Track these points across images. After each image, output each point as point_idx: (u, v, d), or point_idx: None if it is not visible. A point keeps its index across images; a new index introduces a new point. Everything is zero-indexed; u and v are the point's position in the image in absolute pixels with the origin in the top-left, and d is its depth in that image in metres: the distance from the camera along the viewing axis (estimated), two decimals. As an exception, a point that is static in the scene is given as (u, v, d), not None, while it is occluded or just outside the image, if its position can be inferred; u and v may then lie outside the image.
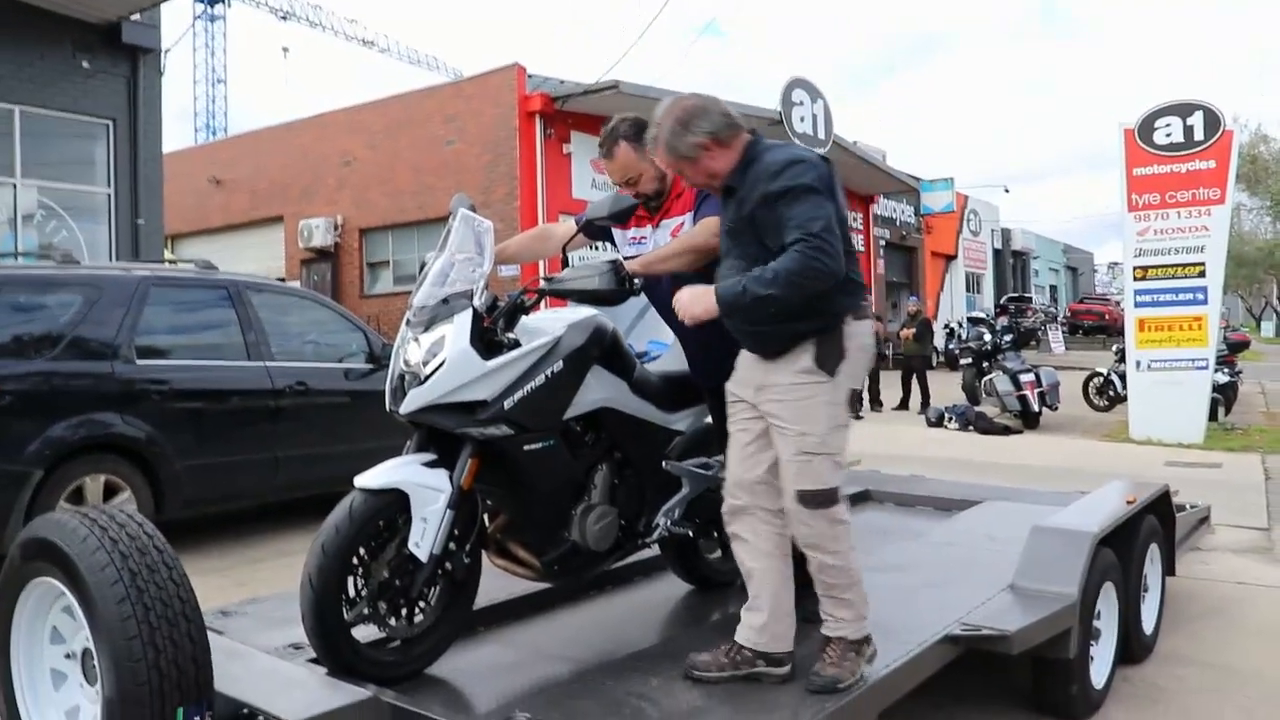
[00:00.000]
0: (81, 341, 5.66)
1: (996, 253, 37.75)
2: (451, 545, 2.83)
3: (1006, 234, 39.39)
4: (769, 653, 2.81)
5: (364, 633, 2.74)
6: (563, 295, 2.99)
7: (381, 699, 2.45)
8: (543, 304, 3.09)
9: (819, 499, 2.70)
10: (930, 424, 13.71)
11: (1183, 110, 12.04)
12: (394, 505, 2.72)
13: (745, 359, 2.86)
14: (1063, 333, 27.76)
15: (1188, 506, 5.33)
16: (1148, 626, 4.26)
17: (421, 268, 3.04)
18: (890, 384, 16.37)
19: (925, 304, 25.06)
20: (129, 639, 2.08)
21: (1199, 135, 11.89)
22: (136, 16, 11.80)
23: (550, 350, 2.95)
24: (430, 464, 2.81)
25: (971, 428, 13.15)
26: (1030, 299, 21.33)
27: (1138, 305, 12.31)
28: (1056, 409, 13.86)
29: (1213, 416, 12.47)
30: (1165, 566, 4.55)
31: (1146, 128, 12.14)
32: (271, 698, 2.32)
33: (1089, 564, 3.45)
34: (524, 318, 2.97)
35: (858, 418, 14.43)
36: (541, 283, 3.01)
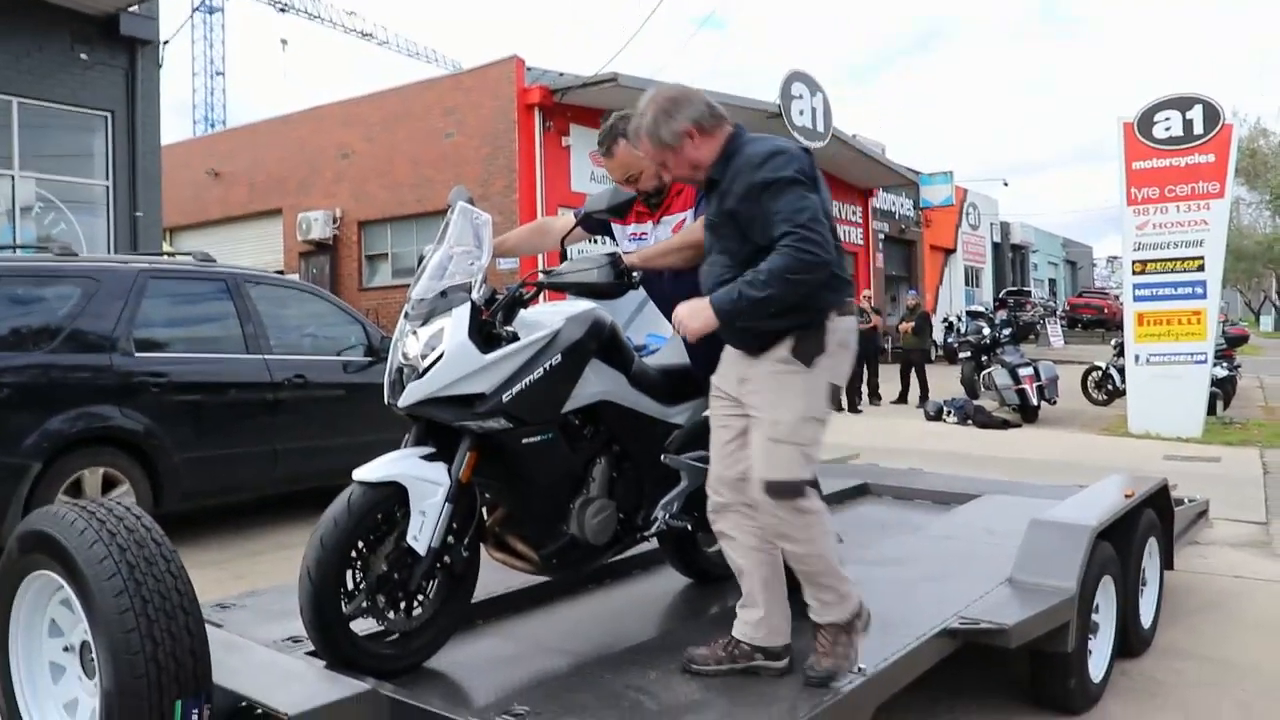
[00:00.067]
0: (80, 334, 5.65)
1: (995, 246, 37.74)
2: (450, 538, 2.83)
3: (1005, 228, 39.39)
4: (766, 647, 2.81)
5: (362, 626, 2.74)
6: (561, 288, 2.98)
7: (380, 692, 2.45)
8: (541, 297, 3.09)
9: (785, 490, 2.66)
10: (929, 418, 13.72)
11: (1182, 104, 12.03)
12: (392, 498, 2.72)
13: (729, 354, 2.86)
14: (1061, 327, 27.81)
15: (1186, 500, 5.33)
16: (1146, 620, 4.26)
17: (420, 261, 3.04)
18: (889, 377, 16.38)
19: (924, 297, 25.06)
20: (127, 632, 2.08)
21: (1198, 129, 11.89)
22: (135, 8, 11.77)
23: (549, 343, 2.94)
24: (429, 457, 2.81)
25: (970, 421, 13.16)
26: (1029, 293, 21.40)
27: (1137, 299, 12.32)
28: (1055, 403, 13.88)
29: (1211, 411, 12.49)
30: (1163, 560, 4.55)
31: (1146, 121, 12.13)
32: (270, 690, 2.32)
33: (1087, 558, 3.45)
34: (522, 311, 2.96)
35: (855, 412, 14.49)
36: (540, 276, 3.01)
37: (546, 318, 3.01)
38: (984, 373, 14.43)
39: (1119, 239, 12.67)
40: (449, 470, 2.79)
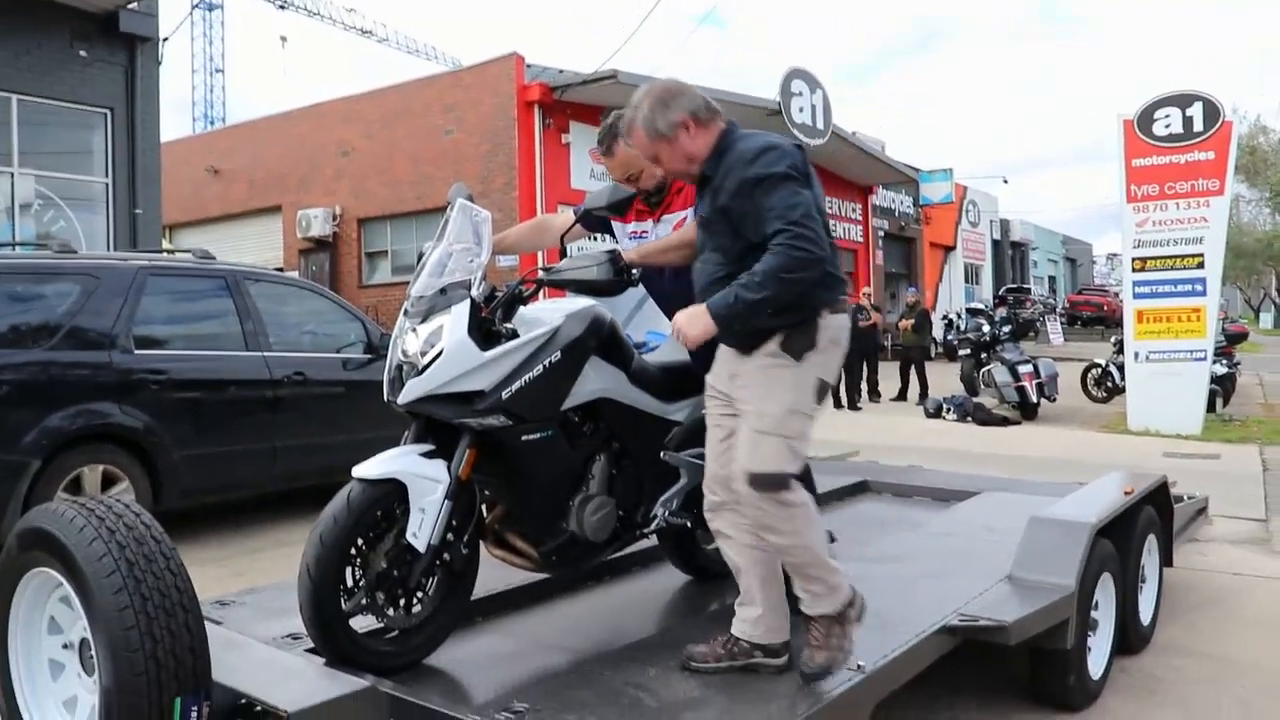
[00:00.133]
0: (79, 331, 5.65)
1: (995, 244, 37.74)
2: (449, 536, 2.82)
3: (1005, 225, 39.37)
4: (765, 644, 2.81)
5: (362, 623, 2.73)
6: (561, 285, 2.98)
7: (379, 689, 2.45)
8: (541, 294, 3.09)
9: (768, 482, 2.64)
10: (928, 415, 13.73)
11: (1182, 101, 12.02)
12: (392, 495, 2.72)
13: (723, 351, 2.85)
14: (1061, 324, 27.76)
15: (1185, 498, 5.33)
16: (1145, 617, 4.26)
17: (419, 258, 3.03)
18: (889, 375, 16.38)
19: (924, 295, 25.07)
20: (126, 629, 2.08)
21: (1198, 126, 11.88)
22: (134, 5, 11.76)
23: (548, 340, 2.94)
24: (428, 454, 2.80)
25: (970, 419, 13.17)
26: (1029, 290, 21.36)
27: (1136, 296, 12.32)
28: (1055, 400, 13.88)
29: (1211, 408, 12.50)
30: (1163, 557, 4.55)
31: (1146, 119, 12.13)
32: (269, 688, 2.32)
33: (1087, 555, 3.45)
34: (522, 308, 2.95)
35: (855, 409, 14.49)
36: (540, 273, 3.01)
37: (546, 315, 3.01)
38: (984, 370, 14.43)
39: (1119, 236, 12.68)
40: (448, 467, 2.79)
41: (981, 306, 17.84)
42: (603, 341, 3.11)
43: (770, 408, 2.67)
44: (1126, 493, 4.08)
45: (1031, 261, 43.99)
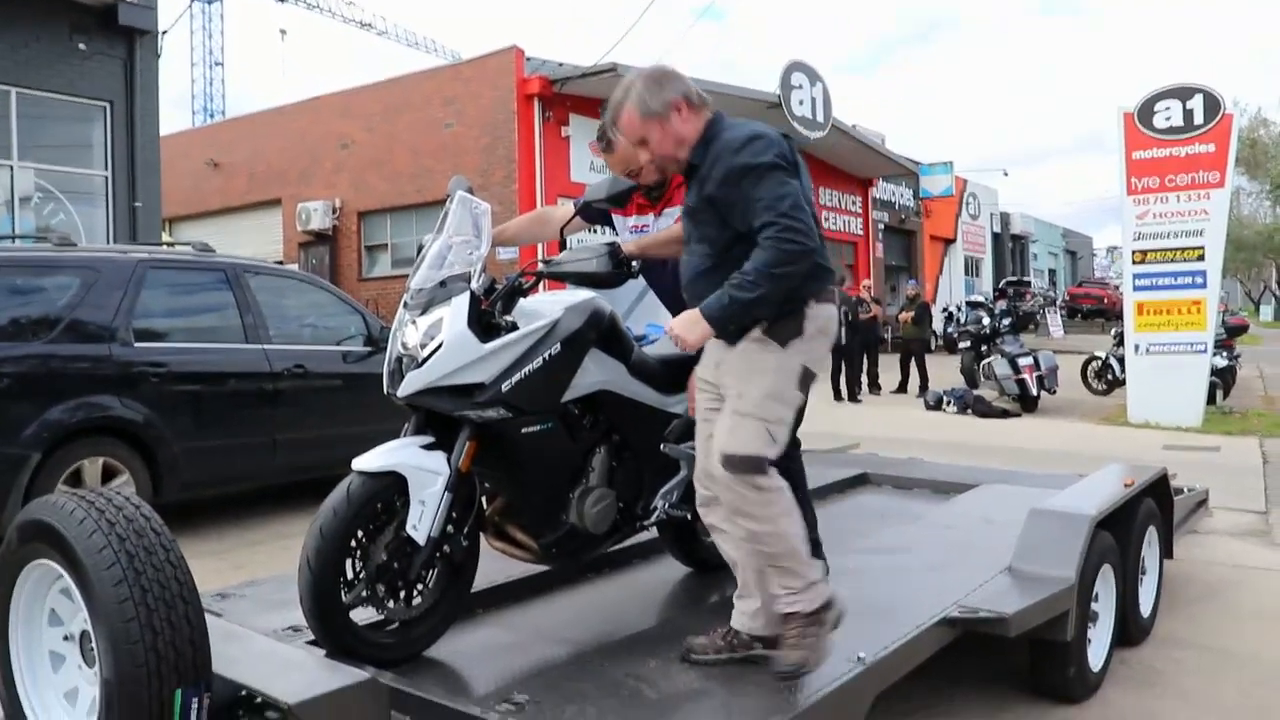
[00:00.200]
0: (79, 324, 5.65)
1: (995, 236, 37.71)
2: (449, 528, 2.83)
3: (1005, 218, 39.33)
4: (765, 636, 2.80)
5: (362, 615, 2.74)
6: (561, 278, 2.98)
7: (380, 681, 2.45)
8: (541, 286, 3.08)
9: (743, 464, 2.60)
10: (928, 407, 13.73)
11: (1182, 93, 11.99)
12: (392, 488, 2.72)
13: (711, 342, 2.82)
14: (1061, 316, 27.78)
15: (1185, 490, 5.33)
16: (1145, 609, 4.26)
17: (419, 250, 3.03)
18: (889, 367, 16.38)
19: (924, 287, 25.03)
20: (126, 621, 2.08)
21: (1198, 119, 11.86)
22: (132, -2, 11.75)
23: (548, 333, 2.94)
24: (428, 447, 2.81)
25: (970, 411, 13.18)
26: (1029, 283, 21.30)
27: (1136, 289, 12.30)
28: (1055, 392, 13.88)
29: (1211, 400, 12.49)
30: (1163, 549, 4.56)
31: (1146, 111, 12.10)
32: (269, 679, 2.32)
33: (1087, 547, 3.45)
34: (522, 300, 2.95)
35: (856, 401, 14.49)
36: (540, 265, 3.00)
37: (546, 307, 3.01)
38: (984, 362, 14.42)
39: (1119, 229, 12.66)
40: (448, 460, 2.79)
41: (981, 299, 17.83)
42: (603, 334, 3.11)
43: (751, 390, 2.64)
44: (1126, 485, 4.08)
45: (1031, 254, 43.96)
